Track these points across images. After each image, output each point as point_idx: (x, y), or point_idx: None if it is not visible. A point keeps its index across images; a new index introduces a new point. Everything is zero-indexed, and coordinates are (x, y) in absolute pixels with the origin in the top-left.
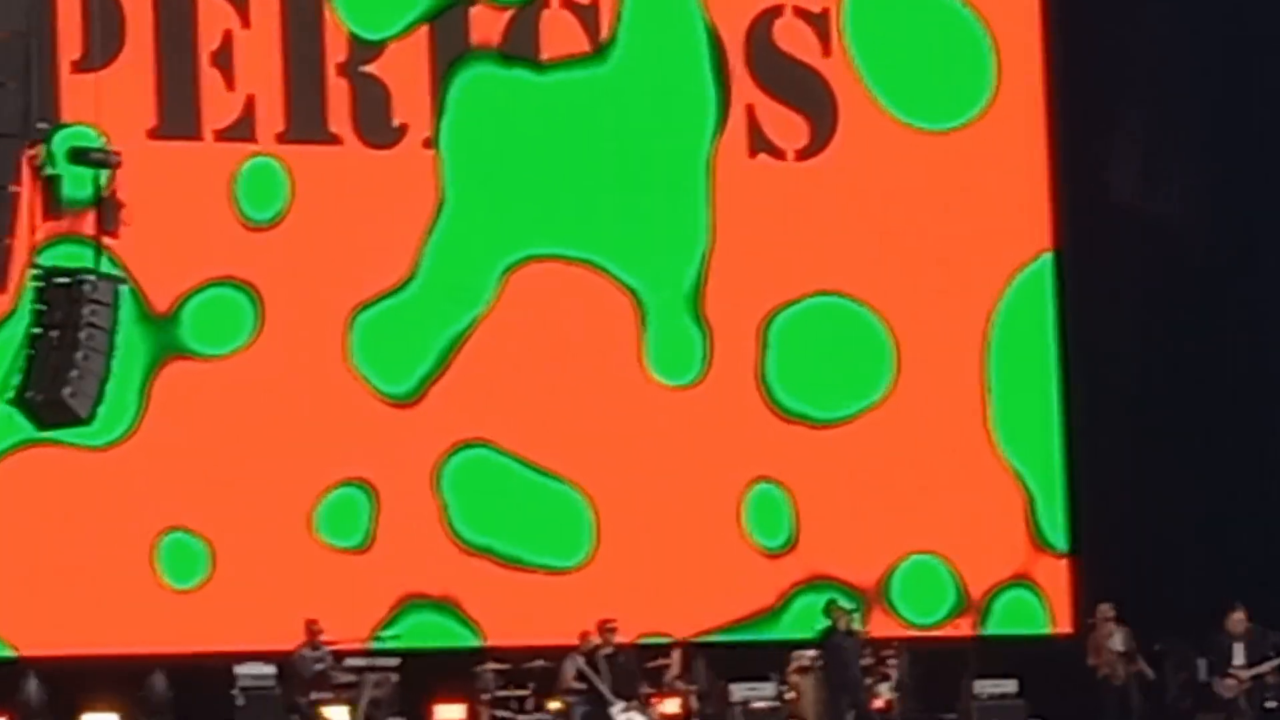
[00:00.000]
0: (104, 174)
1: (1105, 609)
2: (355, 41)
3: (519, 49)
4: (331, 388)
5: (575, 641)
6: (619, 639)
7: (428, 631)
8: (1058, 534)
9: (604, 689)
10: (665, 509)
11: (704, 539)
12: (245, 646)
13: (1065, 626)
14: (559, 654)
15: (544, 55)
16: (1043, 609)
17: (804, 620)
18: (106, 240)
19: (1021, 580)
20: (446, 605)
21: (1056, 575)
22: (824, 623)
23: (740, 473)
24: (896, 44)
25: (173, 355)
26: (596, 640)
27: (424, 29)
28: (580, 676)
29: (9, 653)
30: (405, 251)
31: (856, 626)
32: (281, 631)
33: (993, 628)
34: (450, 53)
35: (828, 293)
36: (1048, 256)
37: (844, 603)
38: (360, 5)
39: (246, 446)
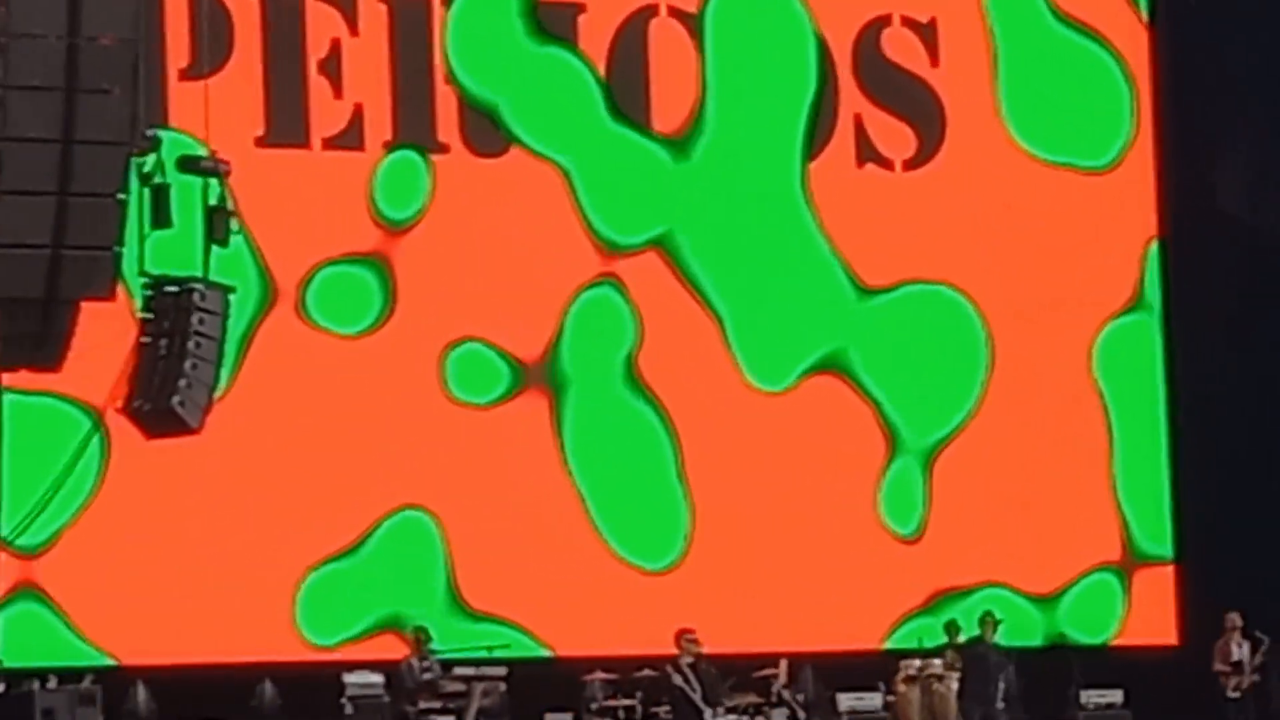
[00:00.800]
0: (213, 182)
1: (1233, 618)
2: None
3: (627, 74)
4: (429, 403)
5: (657, 651)
6: (698, 649)
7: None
8: (1163, 542)
9: (695, 697)
10: (768, 517)
11: (799, 551)
12: (354, 655)
13: (1170, 638)
14: (660, 664)
15: (651, 67)
16: (1121, 594)
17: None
18: (227, 241)
19: (1108, 566)
20: (519, 626)
21: (1162, 585)
22: (973, 630)
23: (841, 479)
24: (1032, 72)
25: (287, 306)
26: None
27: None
28: (673, 684)
29: (109, 662)
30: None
31: (1002, 642)
32: (390, 640)
33: (1071, 611)
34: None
35: (919, 281)
36: (1154, 279)
37: (997, 614)
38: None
39: (351, 434)
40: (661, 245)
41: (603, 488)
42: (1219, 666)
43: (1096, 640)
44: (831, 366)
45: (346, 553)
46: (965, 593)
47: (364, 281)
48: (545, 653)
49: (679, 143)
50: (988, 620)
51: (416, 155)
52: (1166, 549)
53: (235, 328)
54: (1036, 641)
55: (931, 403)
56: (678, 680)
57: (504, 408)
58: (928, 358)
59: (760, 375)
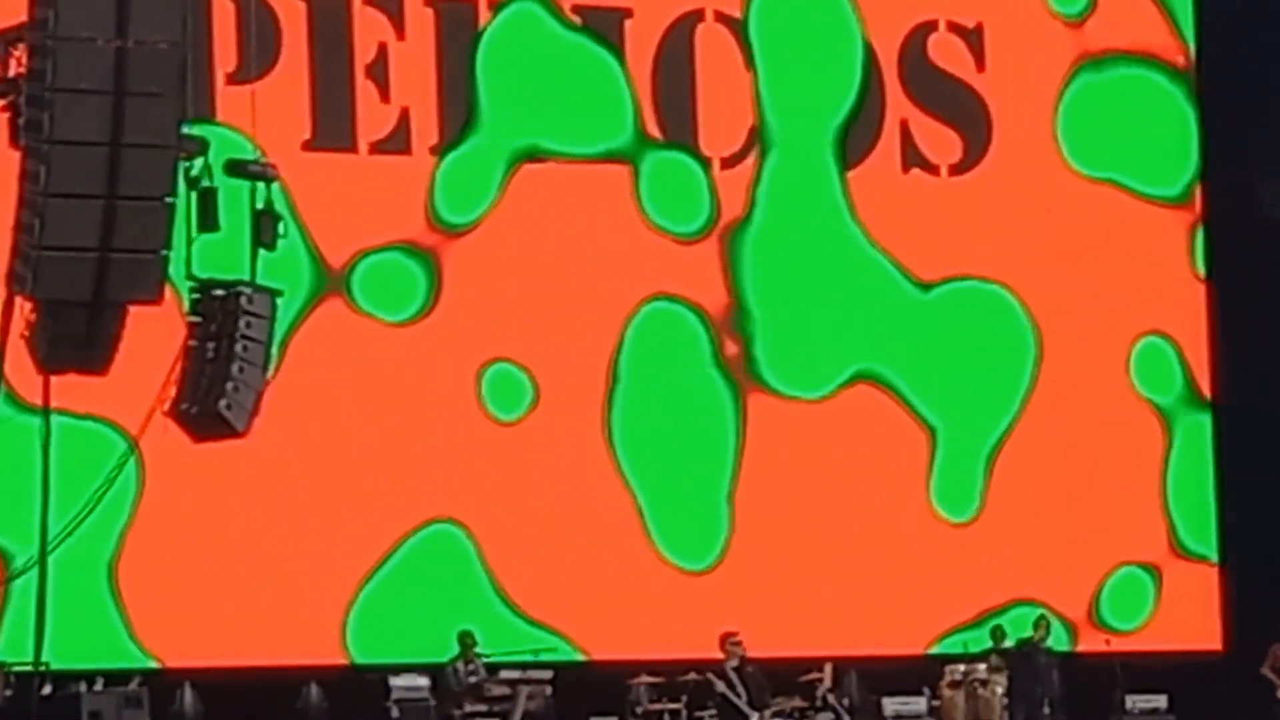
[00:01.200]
0: (260, 186)
1: None
2: None
3: (675, 80)
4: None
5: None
6: (741, 651)
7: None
8: (1208, 544)
9: (740, 702)
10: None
11: (844, 554)
12: (400, 658)
13: (1215, 643)
14: (704, 667)
15: (698, 72)
16: (1152, 591)
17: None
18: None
19: (1141, 565)
20: (558, 632)
21: (1206, 589)
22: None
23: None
24: (1084, 85)
25: (336, 295)
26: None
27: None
28: (717, 690)
29: (153, 664)
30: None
31: (1054, 647)
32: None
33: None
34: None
35: (966, 278)
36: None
37: (1051, 618)
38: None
39: (389, 435)
40: (719, 237)
41: (653, 486)
42: (1267, 671)
43: (1129, 626)
44: (874, 371)
45: (386, 560)
46: (1007, 608)
47: (410, 271)
48: (585, 658)
49: (728, 144)
50: (1042, 622)
51: (495, 154)
52: (1211, 550)
53: (284, 315)
54: (1070, 646)
55: (977, 403)
56: (721, 686)
57: (536, 415)
58: (973, 358)
59: (804, 380)
